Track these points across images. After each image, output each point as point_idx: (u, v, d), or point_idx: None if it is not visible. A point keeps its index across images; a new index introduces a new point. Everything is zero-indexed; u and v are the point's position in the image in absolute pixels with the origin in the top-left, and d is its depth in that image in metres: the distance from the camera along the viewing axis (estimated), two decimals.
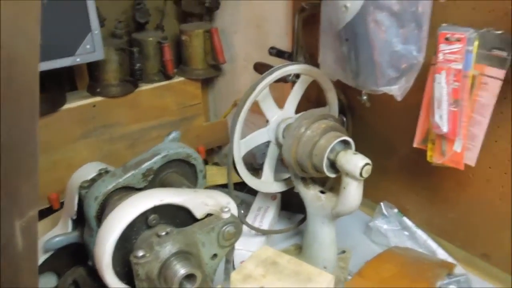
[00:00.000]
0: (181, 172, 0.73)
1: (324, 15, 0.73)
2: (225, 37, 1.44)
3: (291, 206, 1.14)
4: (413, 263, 0.81)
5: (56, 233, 0.71)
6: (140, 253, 0.53)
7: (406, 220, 0.97)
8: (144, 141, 1.40)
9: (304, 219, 1.04)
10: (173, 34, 1.48)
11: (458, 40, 0.64)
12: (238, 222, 0.61)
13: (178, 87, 1.43)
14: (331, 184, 1.04)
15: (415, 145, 0.80)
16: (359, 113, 1.00)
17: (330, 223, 0.87)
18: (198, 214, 0.60)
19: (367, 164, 0.76)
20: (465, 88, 0.66)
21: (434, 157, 0.75)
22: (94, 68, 1.28)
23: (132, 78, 1.33)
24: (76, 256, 0.72)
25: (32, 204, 0.53)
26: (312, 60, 1.05)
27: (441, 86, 0.67)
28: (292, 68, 0.87)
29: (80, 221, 0.72)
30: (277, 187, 0.97)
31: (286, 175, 1.07)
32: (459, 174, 0.81)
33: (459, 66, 0.65)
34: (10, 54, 0.48)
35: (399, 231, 0.99)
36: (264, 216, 1.04)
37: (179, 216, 0.61)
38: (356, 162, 0.76)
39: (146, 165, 0.68)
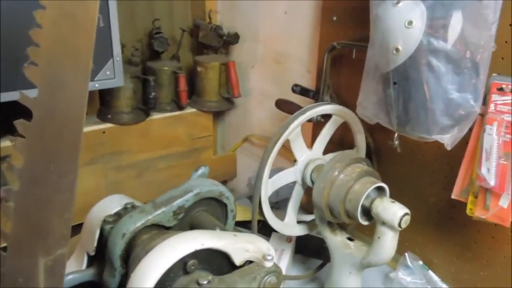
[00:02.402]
0: (211, 211, 0.68)
1: (369, 56, 0.70)
2: (241, 71, 1.42)
3: (306, 250, 1.09)
4: None
5: (69, 269, 0.65)
6: None
7: (431, 273, 0.93)
8: (152, 171, 1.35)
9: (322, 265, 0.99)
10: (187, 65, 1.46)
11: None
12: (280, 272, 0.56)
13: (189, 118, 1.40)
14: (352, 230, 1.00)
15: (453, 196, 0.76)
16: (386, 157, 0.97)
17: (357, 273, 0.82)
18: (237, 260, 0.55)
19: (406, 214, 0.72)
20: None
21: (476, 211, 0.72)
22: (106, 94, 1.25)
23: (145, 107, 1.29)
24: None
25: (62, 242, 0.47)
26: (338, 100, 1.03)
27: (492, 138, 0.65)
28: (326, 108, 0.84)
29: (96, 258, 0.65)
30: (299, 230, 0.93)
31: (306, 218, 1.02)
32: (499, 230, 0.78)
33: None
34: (59, 77, 0.44)
35: (422, 284, 0.94)
36: (280, 259, 0.98)
37: (216, 262, 0.55)
38: (394, 211, 0.72)
39: (177, 202, 0.63)
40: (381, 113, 0.72)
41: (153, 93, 1.26)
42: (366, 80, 0.73)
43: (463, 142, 0.73)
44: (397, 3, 0.62)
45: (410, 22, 0.61)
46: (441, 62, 0.60)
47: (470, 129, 0.71)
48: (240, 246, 0.55)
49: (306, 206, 1.06)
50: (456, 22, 0.60)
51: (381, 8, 0.64)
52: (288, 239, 1.05)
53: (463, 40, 0.62)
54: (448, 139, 0.64)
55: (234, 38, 1.39)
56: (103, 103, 1.28)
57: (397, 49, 0.63)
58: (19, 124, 0.48)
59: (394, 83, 0.66)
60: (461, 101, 0.61)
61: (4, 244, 0.49)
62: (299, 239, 1.06)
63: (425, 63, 0.61)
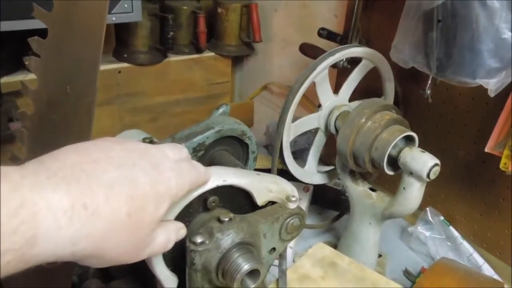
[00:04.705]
0: (231, 151, 0.65)
1: None
2: (263, 14, 1.35)
3: (322, 201, 1.07)
4: (470, 278, 0.73)
5: None
6: (199, 240, 0.45)
7: (452, 229, 0.90)
8: (167, 116, 1.32)
9: (339, 216, 0.97)
10: (206, 6, 1.39)
11: None
12: (304, 214, 0.53)
13: (208, 62, 1.35)
14: (373, 180, 0.97)
15: (486, 149, 0.72)
16: (415, 107, 0.92)
17: (377, 224, 0.80)
18: (260, 200, 0.52)
19: (436, 164, 0.68)
20: None
21: (511, 166, 0.68)
22: (123, 31, 1.20)
23: (162, 47, 1.24)
24: None
25: None
26: (368, 45, 0.97)
27: None
28: (357, 50, 0.79)
29: None
30: (319, 179, 0.90)
31: (323, 169, 0.99)
32: None
33: None
34: None
35: (441, 240, 0.91)
36: None
37: (237, 200, 0.53)
38: (425, 161, 0.68)
39: (198, 138, 0.60)
40: (419, 56, 0.66)
41: (171, 33, 1.21)
42: (404, 19, 0.67)
43: (503, 94, 0.68)
44: None
45: None
46: None
47: None
48: (264, 185, 0.52)
49: (324, 157, 1.03)
50: None
51: None
52: (306, 188, 1.02)
53: None
54: (493, 84, 0.59)
55: None
56: (119, 42, 1.23)
57: None
58: (34, 41, 0.44)
59: (439, 21, 0.60)
60: None
61: None
62: (316, 189, 1.04)
63: None
